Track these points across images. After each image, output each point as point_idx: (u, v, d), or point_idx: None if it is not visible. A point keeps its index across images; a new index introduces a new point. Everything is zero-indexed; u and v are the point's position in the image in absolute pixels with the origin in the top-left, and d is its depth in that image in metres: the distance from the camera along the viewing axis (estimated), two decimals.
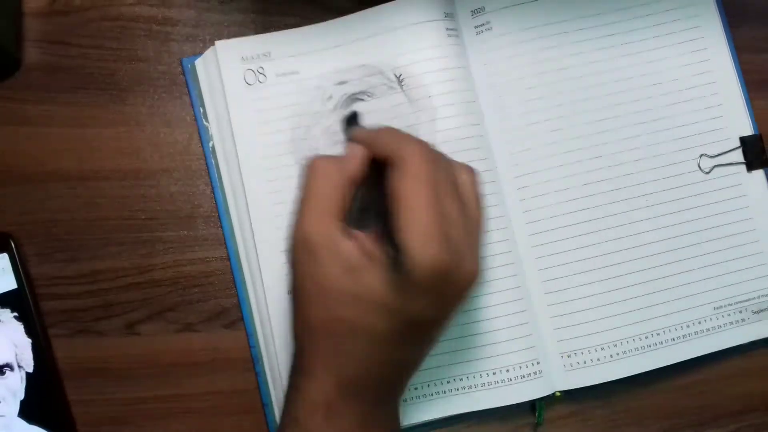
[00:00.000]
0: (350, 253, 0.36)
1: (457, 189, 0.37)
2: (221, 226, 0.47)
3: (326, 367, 0.37)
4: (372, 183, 0.38)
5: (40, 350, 0.45)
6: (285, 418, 0.38)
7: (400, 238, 0.34)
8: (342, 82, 0.48)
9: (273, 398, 0.46)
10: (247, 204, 0.47)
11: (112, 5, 0.48)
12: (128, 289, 0.46)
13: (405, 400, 0.46)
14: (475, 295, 0.46)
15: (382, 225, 0.37)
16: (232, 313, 0.47)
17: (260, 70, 0.48)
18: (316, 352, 0.37)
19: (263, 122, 0.47)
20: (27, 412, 0.44)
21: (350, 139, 0.41)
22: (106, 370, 0.46)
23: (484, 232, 0.39)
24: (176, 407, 0.46)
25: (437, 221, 0.35)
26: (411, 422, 0.46)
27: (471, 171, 0.39)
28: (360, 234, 0.37)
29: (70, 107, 0.47)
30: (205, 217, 0.48)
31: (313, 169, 0.38)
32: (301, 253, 0.37)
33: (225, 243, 0.47)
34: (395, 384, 0.40)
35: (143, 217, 0.47)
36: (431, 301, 0.35)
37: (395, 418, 0.41)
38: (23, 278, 0.45)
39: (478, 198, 0.39)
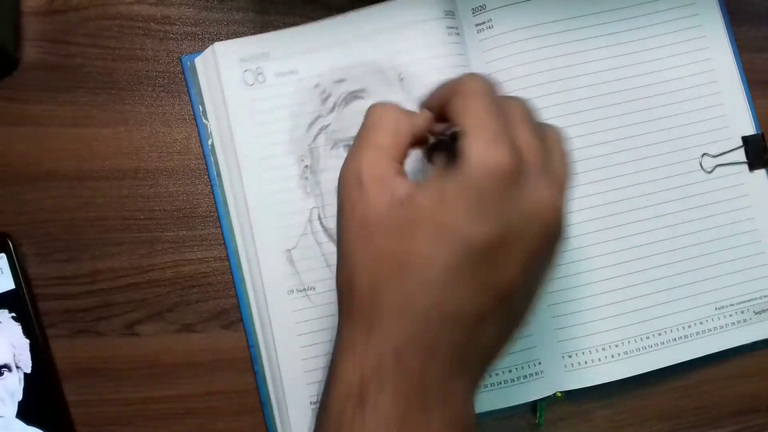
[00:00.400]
0: (402, 186, 0.32)
1: (527, 121, 0.34)
2: (220, 226, 0.47)
3: (365, 334, 0.30)
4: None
5: (39, 351, 0.45)
6: (320, 406, 0.32)
7: (462, 145, 0.31)
8: (341, 81, 0.48)
9: (272, 398, 0.46)
10: (246, 203, 0.46)
11: (110, 4, 0.48)
12: (127, 289, 0.46)
13: None
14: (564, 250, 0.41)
15: None
16: (232, 313, 0.47)
17: (259, 71, 0.48)
18: (357, 315, 0.31)
19: (262, 122, 0.47)
20: (25, 413, 0.44)
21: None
22: (105, 371, 0.46)
23: (570, 186, 0.35)
24: (176, 407, 0.46)
25: (503, 130, 0.31)
26: None
27: (523, 101, 0.35)
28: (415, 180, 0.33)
29: (69, 106, 0.47)
30: (204, 217, 0.48)
31: (379, 109, 0.35)
32: (349, 188, 0.33)
33: (224, 243, 0.47)
34: (452, 360, 0.31)
35: (142, 217, 0.47)
36: (493, 221, 0.30)
37: (456, 408, 0.31)
38: (21, 278, 0.45)
39: (564, 154, 0.35)
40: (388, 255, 0.31)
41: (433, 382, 0.30)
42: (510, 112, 0.33)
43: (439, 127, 0.35)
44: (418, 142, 0.35)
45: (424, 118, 0.35)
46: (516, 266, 0.31)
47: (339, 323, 0.33)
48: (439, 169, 0.32)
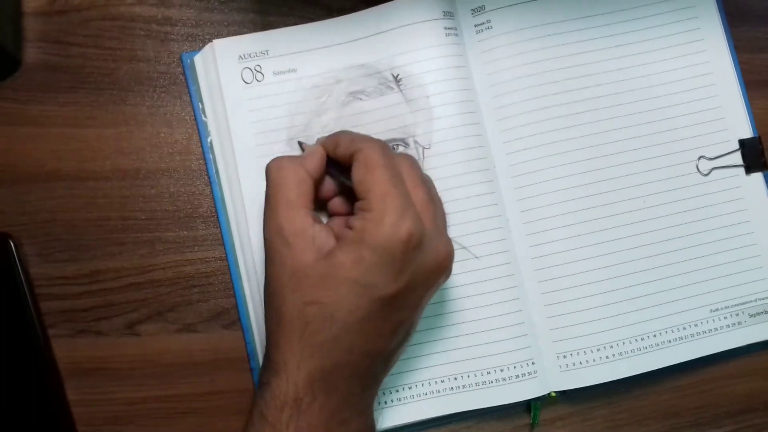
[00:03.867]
0: (322, 237, 0.38)
1: (420, 180, 0.40)
2: (219, 226, 0.47)
3: (297, 359, 0.37)
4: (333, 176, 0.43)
5: (40, 350, 0.45)
6: (253, 414, 0.38)
7: (372, 215, 0.37)
8: (339, 81, 0.48)
9: None
10: (243, 201, 0.47)
11: (111, 5, 0.48)
12: (128, 289, 0.47)
13: (392, 401, 0.46)
14: (447, 286, 0.46)
15: (349, 210, 0.41)
16: (232, 313, 0.47)
17: (257, 69, 0.48)
18: (288, 344, 0.37)
19: (260, 120, 0.47)
20: (26, 412, 0.45)
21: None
22: (106, 370, 0.46)
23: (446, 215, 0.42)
24: (176, 407, 0.46)
25: (406, 203, 0.37)
26: (405, 421, 0.46)
27: (412, 158, 0.42)
28: (330, 220, 0.41)
29: (70, 107, 0.47)
30: (204, 217, 0.48)
31: (277, 167, 0.40)
32: (276, 244, 0.38)
33: (223, 242, 0.47)
34: (367, 378, 0.39)
35: (143, 217, 0.47)
36: (403, 278, 0.37)
37: (367, 416, 0.40)
38: (22, 278, 0.45)
39: (430, 181, 0.42)
40: (315, 302, 0.37)
41: (353, 396, 0.38)
42: (406, 176, 0.39)
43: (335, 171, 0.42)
44: (316, 177, 0.41)
45: (318, 159, 0.41)
46: (417, 304, 0.39)
47: (268, 350, 0.39)
48: (355, 232, 0.37)
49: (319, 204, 0.43)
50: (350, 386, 0.38)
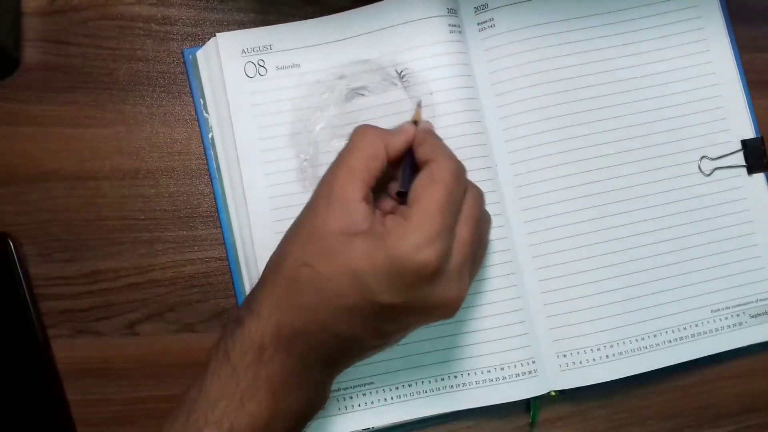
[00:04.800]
0: (358, 216, 0.37)
1: (475, 218, 0.39)
2: (220, 225, 0.47)
3: (274, 309, 0.37)
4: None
5: (39, 350, 0.45)
6: (219, 348, 0.38)
7: (405, 226, 0.36)
8: (342, 77, 0.48)
9: None
10: (244, 197, 0.47)
11: (111, 4, 0.48)
12: (128, 289, 0.47)
13: (392, 398, 0.46)
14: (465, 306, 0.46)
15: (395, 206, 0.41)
16: (232, 313, 0.47)
17: (260, 63, 0.48)
18: (272, 291, 0.38)
19: (263, 115, 0.47)
20: (26, 412, 0.45)
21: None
22: (106, 370, 0.46)
23: (481, 268, 0.42)
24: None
25: (444, 232, 0.36)
26: (405, 419, 0.46)
27: (481, 193, 0.41)
28: (378, 209, 0.40)
29: (70, 107, 0.47)
30: (204, 217, 0.48)
31: (361, 133, 0.40)
32: (319, 197, 0.39)
33: (224, 242, 0.47)
34: (330, 357, 0.39)
35: (143, 217, 0.47)
36: (400, 298, 0.36)
37: (319, 391, 0.40)
38: (21, 278, 0.45)
39: (487, 223, 0.42)
40: (312, 266, 0.37)
41: (312, 367, 0.38)
42: (465, 208, 0.38)
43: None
44: (393, 160, 0.40)
45: (402, 141, 0.41)
46: (404, 327, 0.39)
47: (253, 290, 0.39)
48: (385, 235, 0.36)
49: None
50: (311, 356, 0.37)
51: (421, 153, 0.40)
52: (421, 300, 0.36)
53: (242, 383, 0.36)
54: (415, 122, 0.43)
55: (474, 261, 0.39)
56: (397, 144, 0.40)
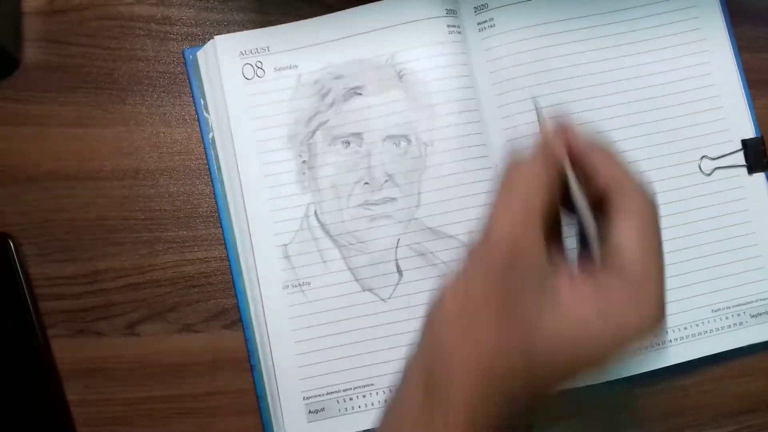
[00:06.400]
0: (561, 289, 0.30)
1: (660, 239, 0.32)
2: (220, 225, 0.47)
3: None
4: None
5: (39, 350, 0.45)
6: None
7: (629, 288, 0.30)
8: (340, 77, 0.48)
9: (267, 391, 0.46)
10: (243, 198, 0.47)
11: (111, 4, 0.48)
12: (128, 289, 0.47)
13: None
14: None
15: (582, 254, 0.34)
16: (232, 313, 0.47)
17: (258, 65, 0.48)
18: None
19: (261, 117, 0.47)
20: (26, 412, 0.45)
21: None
22: (105, 371, 0.46)
23: None
24: (176, 407, 0.46)
25: (662, 286, 0.31)
26: None
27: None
28: (565, 263, 0.32)
29: (70, 107, 0.47)
30: (204, 217, 0.48)
31: (515, 167, 0.33)
32: (498, 260, 0.31)
33: (224, 241, 0.47)
34: None
35: (143, 217, 0.47)
36: (606, 358, 0.30)
37: None
38: (21, 278, 0.45)
39: None
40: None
41: None
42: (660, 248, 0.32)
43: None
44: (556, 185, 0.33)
45: (555, 162, 0.33)
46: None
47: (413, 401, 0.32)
48: (603, 286, 0.30)
49: None
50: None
51: (596, 184, 0.33)
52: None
53: None
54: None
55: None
56: (553, 166, 0.33)
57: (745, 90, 0.50)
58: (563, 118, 0.35)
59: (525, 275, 0.30)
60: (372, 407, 0.46)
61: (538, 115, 0.37)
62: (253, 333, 0.46)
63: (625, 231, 0.31)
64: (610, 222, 0.31)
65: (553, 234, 0.33)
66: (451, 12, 0.48)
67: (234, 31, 0.49)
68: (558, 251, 0.33)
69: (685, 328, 0.48)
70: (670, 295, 0.47)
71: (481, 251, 0.32)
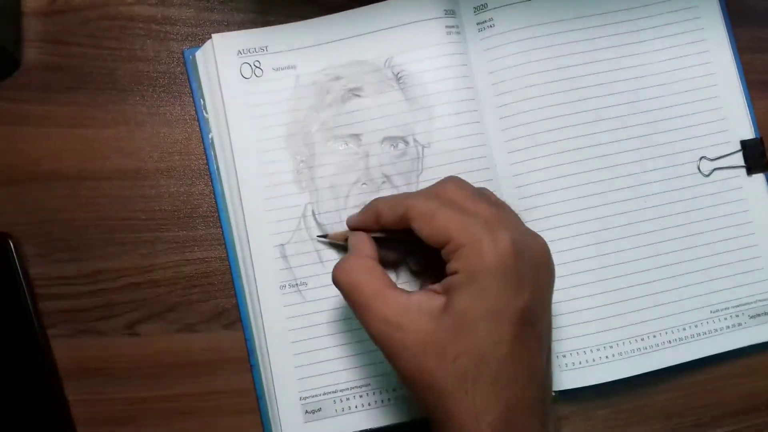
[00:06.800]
0: (425, 300, 0.37)
1: (468, 194, 0.40)
2: (220, 225, 0.47)
3: (474, 414, 0.35)
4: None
5: (40, 350, 0.45)
6: None
7: (467, 249, 0.36)
8: (338, 78, 0.48)
9: (265, 391, 0.46)
10: (241, 197, 0.47)
11: (111, 4, 0.48)
12: (128, 289, 0.47)
13: (389, 400, 0.46)
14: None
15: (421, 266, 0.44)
16: (232, 313, 0.47)
17: (257, 64, 0.48)
18: (457, 406, 0.35)
19: (259, 117, 0.47)
20: (25, 412, 0.45)
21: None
22: (106, 370, 0.46)
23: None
24: (176, 407, 0.46)
25: (484, 222, 0.37)
26: (402, 420, 0.46)
27: (455, 180, 0.42)
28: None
29: (70, 107, 0.47)
30: (204, 217, 0.48)
31: (344, 272, 0.40)
32: (389, 334, 0.38)
33: (224, 241, 0.47)
34: (539, 408, 0.37)
35: (143, 217, 0.47)
36: (526, 287, 0.36)
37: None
38: (21, 278, 0.45)
39: (485, 191, 0.43)
40: (461, 354, 0.35)
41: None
42: (462, 201, 0.39)
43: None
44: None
45: (367, 243, 0.42)
46: (546, 305, 0.39)
47: (440, 425, 0.36)
48: (460, 269, 0.37)
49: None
50: (530, 423, 0.36)
51: (388, 219, 0.41)
52: (533, 271, 0.37)
53: None
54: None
55: (514, 218, 0.41)
56: (368, 248, 0.42)
57: (744, 91, 0.50)
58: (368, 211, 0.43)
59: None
60: (368, 407, 0.46)
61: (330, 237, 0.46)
62: (253, 335, 0.46)
63: (423, 230, 0.38)
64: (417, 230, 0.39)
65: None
66: (450, 12, 0.48)
67: (234, 31, 0.49)
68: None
69: (685, 329, 0.48)
70: (669, 296, 0.48)
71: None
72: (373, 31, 0.48)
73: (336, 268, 0.40)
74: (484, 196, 0.41)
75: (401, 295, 0.38)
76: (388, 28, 0.48)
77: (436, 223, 0.38)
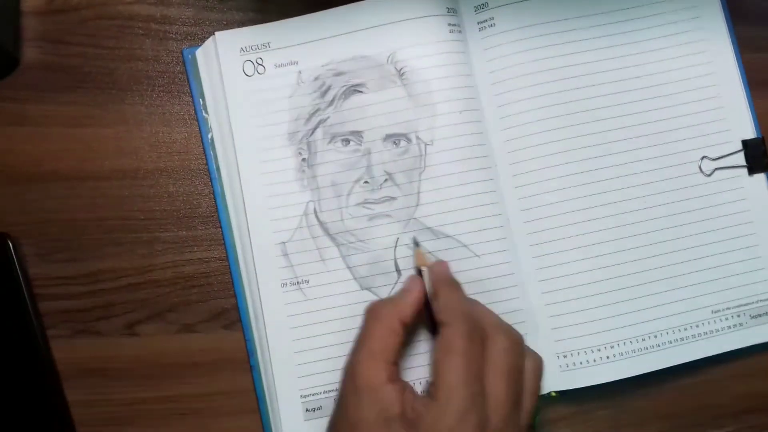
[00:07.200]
0: (389, 399, 0.38)
1: (507, 371, 0.39)
2: (220, 225, 0.47)
3: None
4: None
5: (39, 351, 0.45)
6: None
7: (435, 406, 0.37)
8: (341, 74, 0.48)
9: (265, 389, 0.46)
10: (242, 196, 0.47)
11: (110, 4, 0.48)
12: (127, 289, 0.47)
13: None
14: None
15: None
16: (232, 313, 0.47)
17: (259, 61, 0.48)
18: None
19: (261, 114, 0.47)
20: (25, 412, 0.45)
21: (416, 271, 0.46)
22: (105, 371, 0.46)
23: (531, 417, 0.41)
24: (176, 407, 0.46)
25: (474, 402, 0.37)
26: None
27: (510, 342, 0.41)
28: (407, 384, 0.40)
29: (69, 107, 0.47)
30: (204, 217, 0.48)
31: (373, 316, 0.41)
32: (347, 388, 0.40)
33: (223, 241, 0.47)
34: None
35: (142, 217, 0.47)
36: None
37: None
38: (21, 278, 0.45)
39: (523, 372, 0.41)
40: None
41: None
42: (492, 365, 0.39)
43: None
44: (410, 324, 0.42)
45: (410, 308, 0.42)
46: None
47: None
48: (420, 404, 0.38)
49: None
50: None
51: (436, 312, 0.41)
52: None
53: None
54: (419, 269, 0.45)
55: (518, 416, 0.39)
56: (410, 311, 0.41)
57: (745, 90, 0.50)
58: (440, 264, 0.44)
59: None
60: None
61: (418, 253, 0.46)
62: (253, 333, 0.46)
63: (438, 360, 0.38)
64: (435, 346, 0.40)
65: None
66: (452, 11, 0.48)
67: (232, 29, 0.49)
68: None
69: (685, 329, 0.48)
70: (670, 296, 0.48)
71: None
72: (375, 27, 0.48)
73: (375, 304, 0.42)
74: (515, 376, 0.40)
75: (382, 374, 0.39)
76: (391, 23, 0.48)
77: (444, 360, 0.38)
